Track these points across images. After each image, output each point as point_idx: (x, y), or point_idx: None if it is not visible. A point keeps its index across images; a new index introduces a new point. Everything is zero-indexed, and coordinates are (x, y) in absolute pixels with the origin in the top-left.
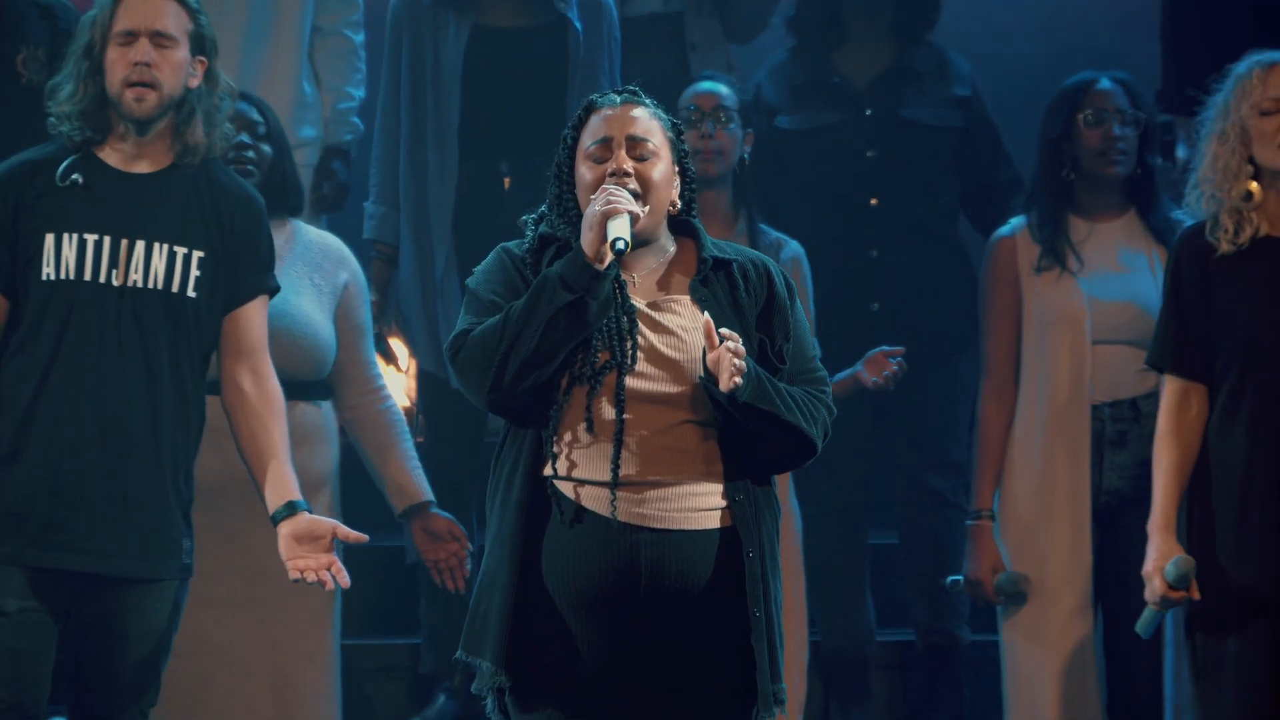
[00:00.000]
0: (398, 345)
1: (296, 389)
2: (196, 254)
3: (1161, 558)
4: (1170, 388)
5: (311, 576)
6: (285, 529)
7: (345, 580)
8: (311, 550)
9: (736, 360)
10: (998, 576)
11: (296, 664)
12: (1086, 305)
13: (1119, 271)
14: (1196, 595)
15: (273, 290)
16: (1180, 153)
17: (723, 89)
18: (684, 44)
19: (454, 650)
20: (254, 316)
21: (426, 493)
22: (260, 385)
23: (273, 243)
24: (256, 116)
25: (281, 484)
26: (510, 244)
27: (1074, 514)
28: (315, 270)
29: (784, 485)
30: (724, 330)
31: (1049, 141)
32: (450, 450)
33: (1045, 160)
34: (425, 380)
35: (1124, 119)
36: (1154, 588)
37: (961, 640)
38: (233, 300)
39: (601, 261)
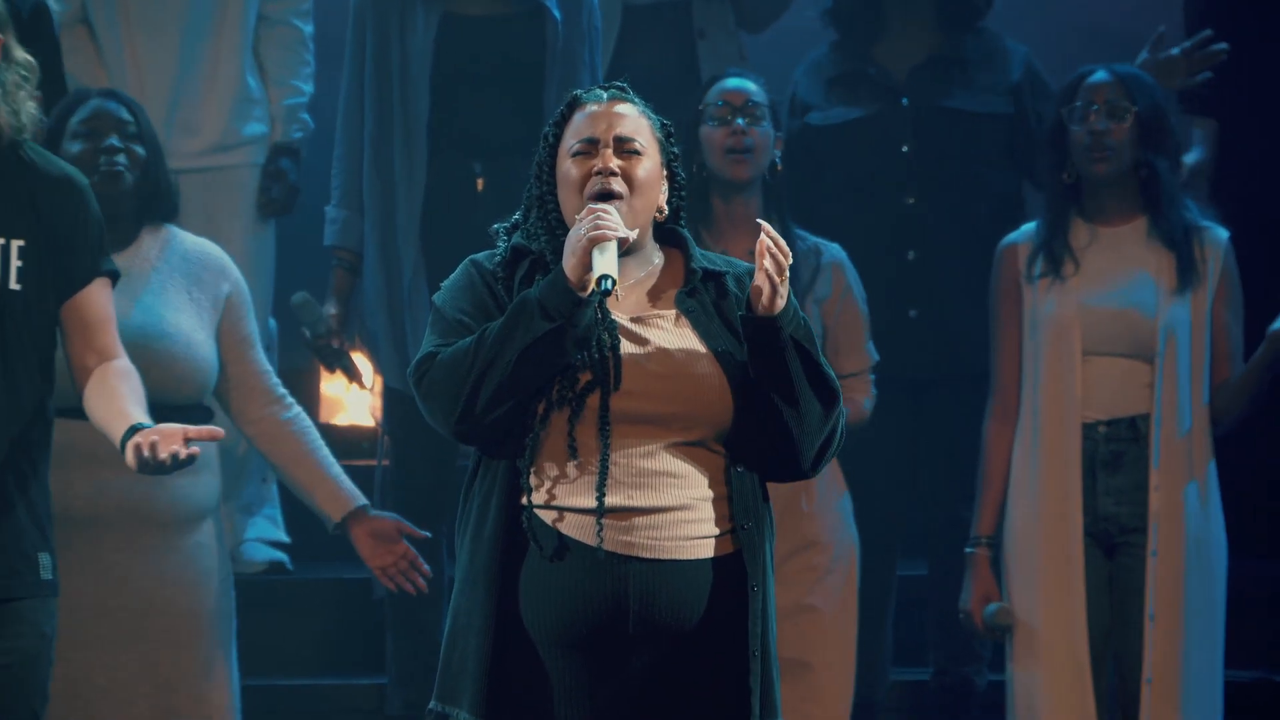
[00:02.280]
0: (361, 361)
1: (173, 414)
2: (16, 243)
3: None
4: None
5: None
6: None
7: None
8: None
9: (778, 278)
10: (986, 609)
11: (188, 707)
12: (1077, 313)
13: (1118, 278)
14: None
15: (112, 274)
16: (1195, 155)
17: (752, 85)
18: (691, 32)
19: (423, 689)
20: (94, 300)
21: (360, 496)
22: (107, 362)
23: (102, 223)
24: (125, 115)
25: (125, 415)
26: (479, 256)
27: (1062, 543)
28: (194, 283)
29: (836, 509)
30: (771, 238)
31: (1046, 139)
32: (419, 476)
33: (1046, 161)
34: (392, 399)
35: (1113, 113)
36: None
37: (977, 685)
38: (67, 289)
39: (584, 289)
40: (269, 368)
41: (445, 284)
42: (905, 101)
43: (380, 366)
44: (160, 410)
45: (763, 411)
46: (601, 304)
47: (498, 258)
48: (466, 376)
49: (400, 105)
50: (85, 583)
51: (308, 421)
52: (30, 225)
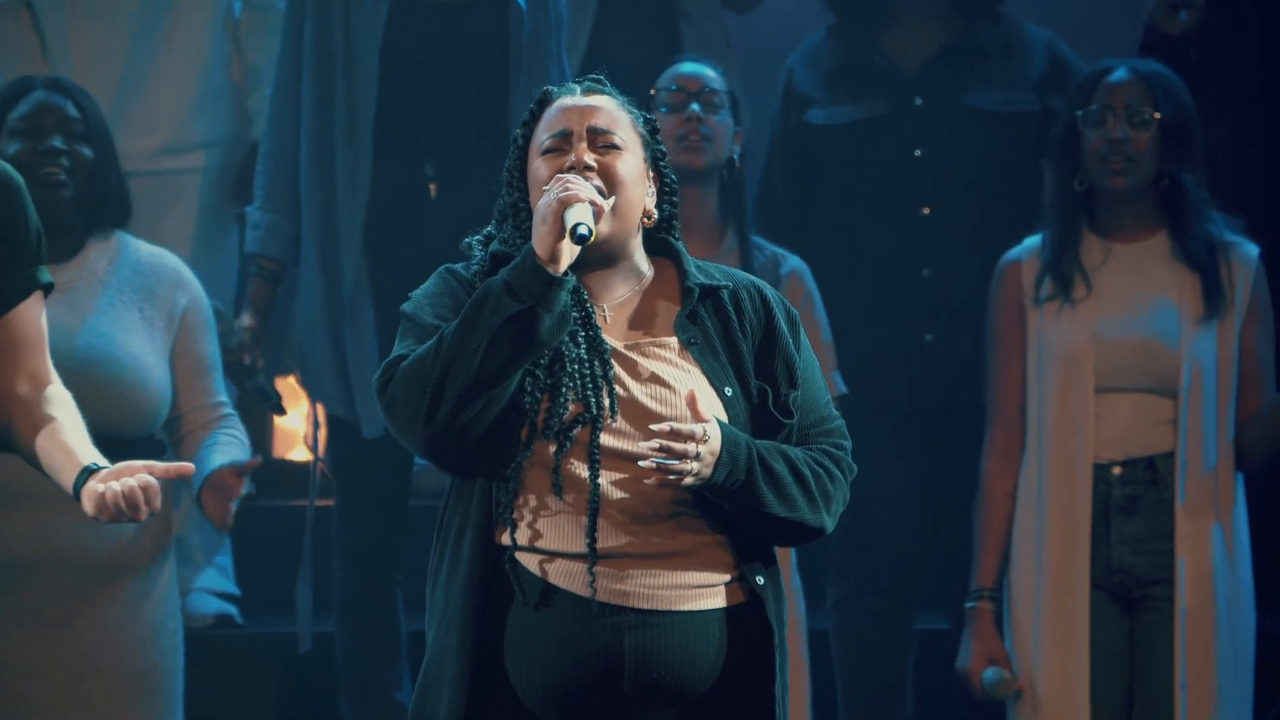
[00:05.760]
0: (285, 384)
1: (121, 449)
2: None
3: None
4: None
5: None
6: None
7: (157, 502)
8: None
9: (682, 465)
10: (985, 676)
11: None
12: (1090, 343)
13: (1137, 304)
14: None
15: (46, 287)
16: None
17: (710, 71)
18: (675, 12)
19: None
20: (29, 316)
21: (212, 463)
22: (40, 390)
23: (40, 229)
24: (72, 111)
25: (74, 455)
26: (455, 265)
27: (1068, 600)
28: (147, 299)
29: (784, 558)
30: (662, 429)
31: (1056, 145)
32: (368, 516)
33: (1055, 167)
34: (334, 429)
35: (1134, 119)
36: None
37: None
38: (1, 303)
39: (556, 263)
40: (225, 399)
41: (417, 292)
42: (919, 101)
43: (318, 392)
44: (103, 444)
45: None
46: (591, 325)
47: (475, 267)
48: (430, 374)
49: (344, 98)
50: (19, 638)
51: (228, 434)
52: None
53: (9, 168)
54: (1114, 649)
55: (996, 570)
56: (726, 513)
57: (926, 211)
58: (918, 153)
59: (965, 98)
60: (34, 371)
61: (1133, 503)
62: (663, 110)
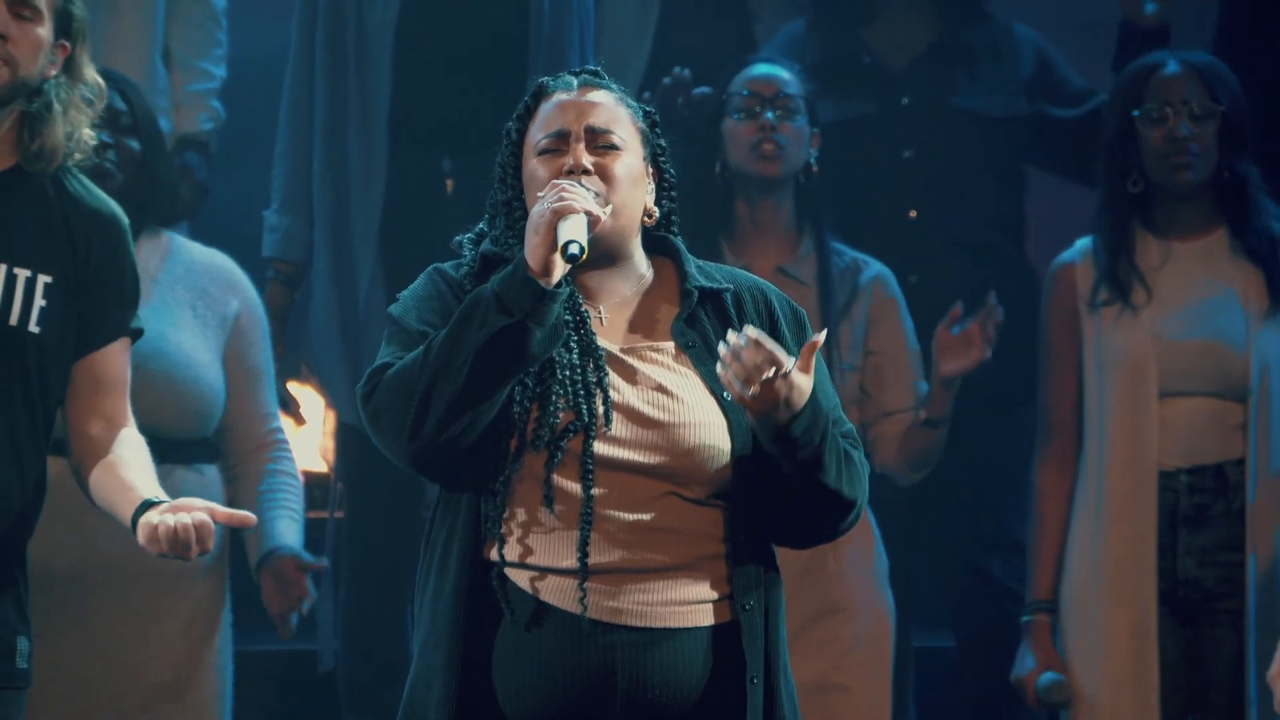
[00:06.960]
0: (302, 391)
1: (173, 450)
2: (43, 279)
3: None
4: None
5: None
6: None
7: (209, 544)
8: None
9: (790, 393)
10: (1039, 679)
11: None
12: (1153, 346)
13: (1198, 304)
14: None
15: (135, 333)
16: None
17: (785, 74)
18: (746, 12)
19: None
20: (114, 359)
21: (280, 537)
22: (113, 432)
23: (137, 274)
24: (119, 103)
25: (133, 490)
26: (444, 265)
27: (1135, 612)
28: (199, 297)
29: (868, 570)
30: (751, 333)
31: (1108, 145)
32: (379, 529)
33: (1106, 168)
34: (345, 437)
35: (1194, 113)
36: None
37: None
38: (87, 342)
39: (549, 275)
40: (274, 410)
41: (405, 294)
42: (906, 100)
43: (332, 399)
44: (155, 445)
45: (774, 480)
46: (587, 329)
47: (465, 268)
48: (415, 386)
49: (356, 91)
50: (64, 651)
51: (289, 475)
52: (62, 262)
53: (117, 208)
54: (1173, 664)
55: (1052, 582)
56: (722, 525)
57: (913, 214)
58: (907, 154)
59: (956, 99)
60: (110, 414)
61: (1201, 512)
62: (735, 117)
